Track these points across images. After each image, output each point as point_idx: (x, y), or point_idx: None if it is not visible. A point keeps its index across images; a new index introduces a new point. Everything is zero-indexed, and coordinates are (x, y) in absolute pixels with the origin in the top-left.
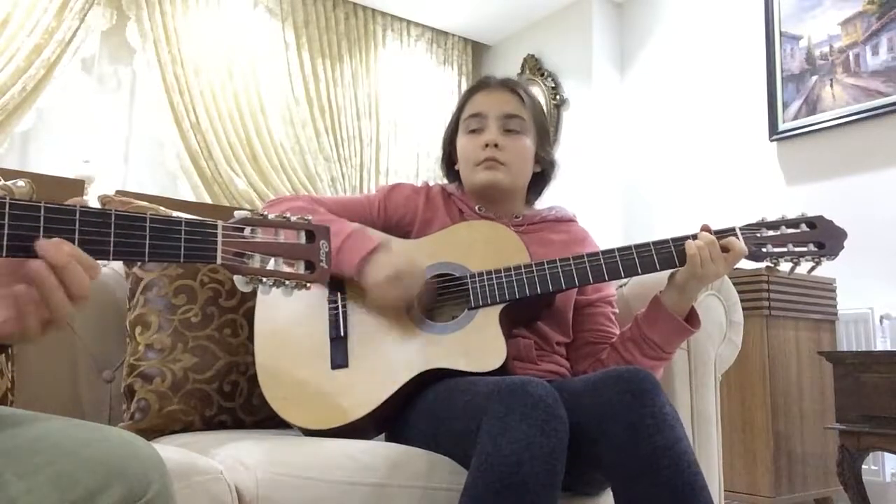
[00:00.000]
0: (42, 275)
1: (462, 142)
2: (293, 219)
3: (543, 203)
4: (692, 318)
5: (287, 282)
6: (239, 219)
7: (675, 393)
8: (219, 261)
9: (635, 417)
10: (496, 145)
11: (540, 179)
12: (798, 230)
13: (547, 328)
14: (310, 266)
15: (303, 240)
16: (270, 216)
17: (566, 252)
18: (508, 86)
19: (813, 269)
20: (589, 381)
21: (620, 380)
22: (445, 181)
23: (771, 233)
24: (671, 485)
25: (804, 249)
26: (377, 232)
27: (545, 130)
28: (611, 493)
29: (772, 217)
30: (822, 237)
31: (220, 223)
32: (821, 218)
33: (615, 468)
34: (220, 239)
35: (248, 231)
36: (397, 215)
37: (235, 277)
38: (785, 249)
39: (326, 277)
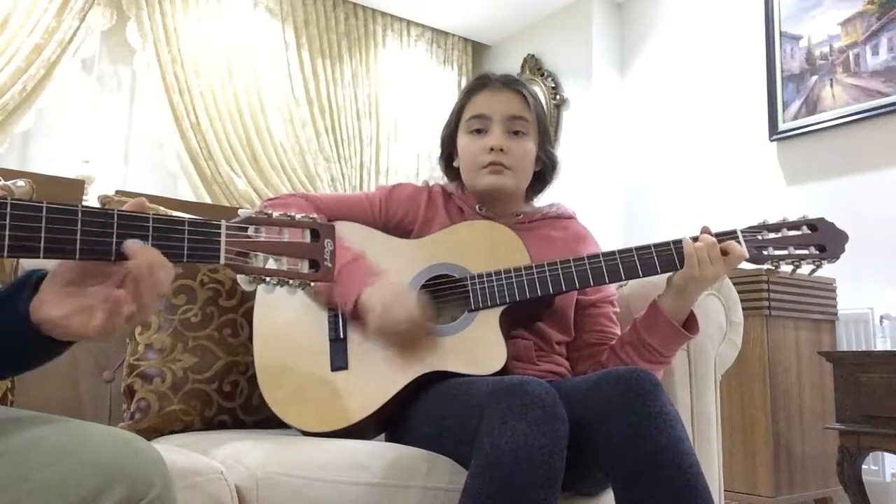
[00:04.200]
0: (143, 270)
1: (464, 142)
2: (298, 217)
3: (543, 200)
4: (691, 324)
5: (291, 281)
6: (243, 218)
7: (675, 393)
8: (222, 260)
9: (636, 417)
10: (501, 149)
11: (539, 179)
12: (799, 232)
13: (547, 328)
14: (314, 265)
15: (307, 238)
16: (274, 215)
17: (567, 249)
18: (512, 86)
19: (814, 271)
20: (589, 381)
21: (621, 380)
22: (445, 180)
23: (772, 235)
24: (672, 485)
25: (805, 252)
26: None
27: (546, 129)
28: (611, 493)
29: (773, 219)
30: (824, 240)
31: (223, 223)
32: (822, 220)
33: (616, 468)
34: (223, 238)
35: (251, 230)
36: (399, 215)
37: (239, 277)
38: (786, 252)
39: (331, 276)
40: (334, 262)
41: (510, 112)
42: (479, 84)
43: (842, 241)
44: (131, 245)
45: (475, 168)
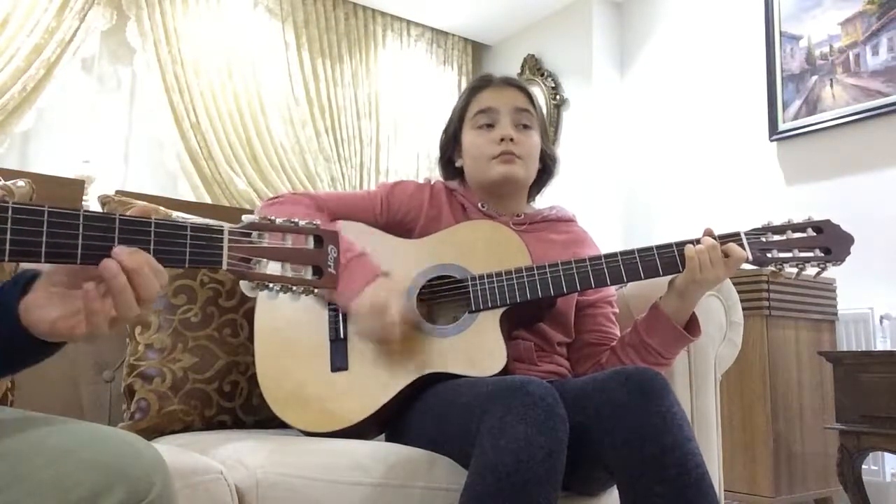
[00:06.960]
0: (113, 272)
1: (470, 137)
2: (301, 223)
3: (544, 202)
4: (692, 326)
5: (294, 287)
6: (246, 223)
7: (675, 393)
8: (224, 266)
9: (643, 417)
10: (511, 139)
11: (542, 175)
12: (804, 234)
13: (548, 329)
14: (317, 271)
15: (311, 244)
16: (278, 220)
17: (566, 252)
18: (515, 83)
19: (819, 273)
20: (596, 380)
21: (630, 379)
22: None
23: (776, 237)
24: (678, 484)
25: (810, 255)
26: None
27: (545, 127)
28: (611, 494)
29: (776, 220)
30: (829, 242)
31: (226, 228)
32: (828, 222)
33: (622, 467)
34: (226, 244)
35: (254, 235)
36: (401, 213)
37: (241, 282)
38: (790, 255)
39: (334, 283)
40: (338, 269)
41: (517, 105)
42: (483, 82)
43: (847, 244)
44: (116, 250)
45: (485, 160)
